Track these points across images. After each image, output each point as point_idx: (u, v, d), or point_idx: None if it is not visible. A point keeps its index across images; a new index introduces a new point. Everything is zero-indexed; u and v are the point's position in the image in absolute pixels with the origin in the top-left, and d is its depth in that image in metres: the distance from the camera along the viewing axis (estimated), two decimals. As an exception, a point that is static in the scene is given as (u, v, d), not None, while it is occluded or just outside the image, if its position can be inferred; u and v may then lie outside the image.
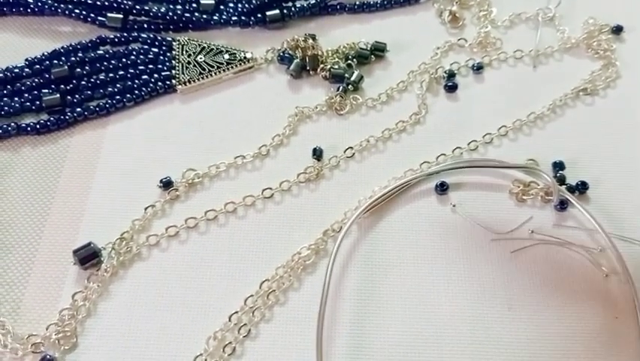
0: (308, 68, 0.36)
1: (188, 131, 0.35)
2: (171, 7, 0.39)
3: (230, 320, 0.28)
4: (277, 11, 0.38)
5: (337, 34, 0.38)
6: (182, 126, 0.35)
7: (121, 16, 0.38)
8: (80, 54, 0.37)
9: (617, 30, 0.38)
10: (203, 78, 0.36)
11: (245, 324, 0.28)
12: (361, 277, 0.30)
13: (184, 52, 0.36)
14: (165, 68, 0.36)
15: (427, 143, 0.34)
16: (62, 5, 0.38)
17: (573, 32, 0.38)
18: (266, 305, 0.29)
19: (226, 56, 0.37)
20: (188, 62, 0.36)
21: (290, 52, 0.37)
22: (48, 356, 0.27)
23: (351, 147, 0.34)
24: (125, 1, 0.38)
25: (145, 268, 0.30)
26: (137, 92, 0.35)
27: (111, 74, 0.36)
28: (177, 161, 0.33)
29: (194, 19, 0.38)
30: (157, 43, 0.37)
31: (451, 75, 0.36)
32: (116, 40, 0.37)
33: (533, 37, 0.38)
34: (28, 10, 0.39)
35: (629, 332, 0.29)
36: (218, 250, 0.31)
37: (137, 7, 0.38)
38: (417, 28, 0.38)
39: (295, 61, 0.36)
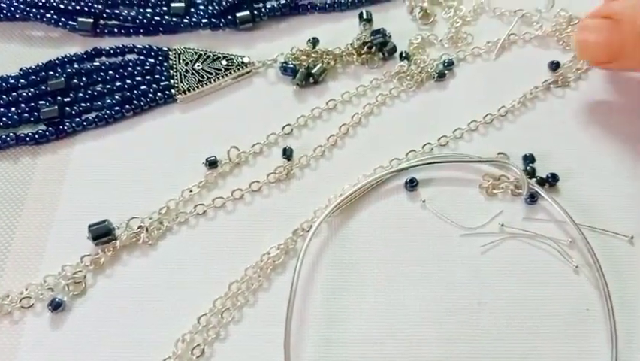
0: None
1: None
2: (141, 10, 0.38)
3: (198, 322, 0.28)
4: (247, 12, 0.38)
5: (309, 35, 0.38)
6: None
7: (91, 20, 0.38)
8: (75, 65, 0.36)
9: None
10: (202, 86, 0.36)
11: (214, 326, 0.28)
12: (331, 276, 0.30)
13: (181, 60, 0.36)
14: (163, 78, 0.36)
15: (396, 139, 0.34)
16: (34, 9, 0.38)
17: (544, 24, 0.38)
18: (235, 306, 0.29)
19: (224, 62, 0.36)
20: (186, 71, 0.36)
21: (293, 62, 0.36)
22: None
23: (320, 145, 0.34)
24: (95, 5, 0.38)
25: (114, 272, 0.30)
26: (135, 102, 0.35)
27: (108, 86, 0.36)
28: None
29: (164, 22, 0.38)
30: (153, 53, 0.37)
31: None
32: (112, 51, 0.37)
33: (504, 31, 0.38)
34: (1, 16, 0.39)
35: (600, 323, 0.29)
36: (188, 253, 0.31)
37: (107, 11, 0.38)
38: (388, 25, 0.38)
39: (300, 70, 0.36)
